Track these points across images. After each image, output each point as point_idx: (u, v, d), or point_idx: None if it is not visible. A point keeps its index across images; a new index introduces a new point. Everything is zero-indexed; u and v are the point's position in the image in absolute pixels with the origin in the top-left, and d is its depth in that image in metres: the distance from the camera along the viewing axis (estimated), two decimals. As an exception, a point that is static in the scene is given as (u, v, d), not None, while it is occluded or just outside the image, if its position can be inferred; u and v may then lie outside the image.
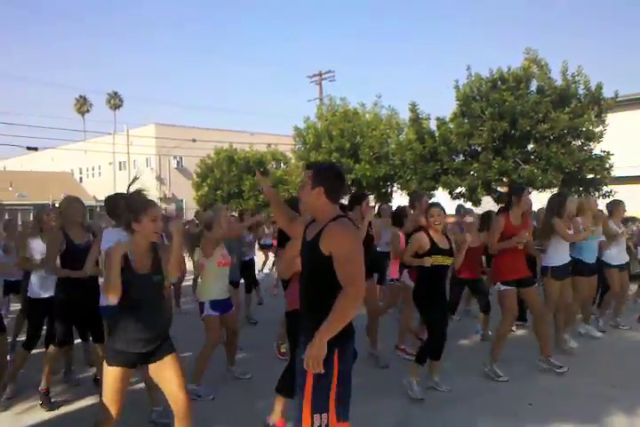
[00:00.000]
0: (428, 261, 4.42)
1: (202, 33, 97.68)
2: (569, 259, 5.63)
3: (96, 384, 4.57)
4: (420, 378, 4.45)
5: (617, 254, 6.66)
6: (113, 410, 2.96)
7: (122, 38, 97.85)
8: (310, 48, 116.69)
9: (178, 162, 36.99)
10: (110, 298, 2.94)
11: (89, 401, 4.44)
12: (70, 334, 4.50)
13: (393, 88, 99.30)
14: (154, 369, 3.08)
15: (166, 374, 3.05)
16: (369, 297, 5.17)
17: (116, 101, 58.23)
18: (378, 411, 4.14)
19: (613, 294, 6.80)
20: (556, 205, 5.46)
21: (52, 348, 4.42)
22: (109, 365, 2.95)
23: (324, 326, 2.34)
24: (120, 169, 39.59)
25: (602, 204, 11.59)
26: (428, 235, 4.51)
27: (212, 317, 4.62)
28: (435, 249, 4.47)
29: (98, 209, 28.59)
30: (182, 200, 35.64)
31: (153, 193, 24.44)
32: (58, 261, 4.37)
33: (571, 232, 5.48)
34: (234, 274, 6.12)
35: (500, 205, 7.16)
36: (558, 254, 5.54)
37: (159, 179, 36.97)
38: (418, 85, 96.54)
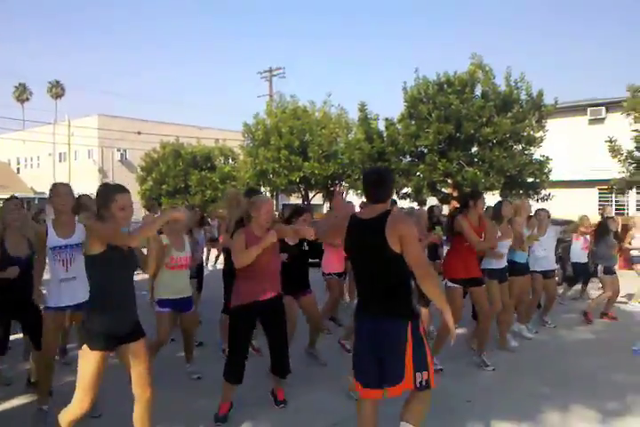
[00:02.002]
0: None
1: (151, 25, 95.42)
2: (505, 263, 5.87)
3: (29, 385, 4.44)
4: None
5: (543, 260, 6.95)
6: (90, 396, 2.95)
7: (66, 26, 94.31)
8: (261, 44, 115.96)
9: (122, 154, 36.00)
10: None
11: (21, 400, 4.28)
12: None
13: (343, 88, 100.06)
14: (124, 350, 3.09)
15: (136, 357, 3.07)
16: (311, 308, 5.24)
17: (57, 90, 56.07)
18: (318, 408, 4.17)
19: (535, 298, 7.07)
20: (495, 210, 5.79)
21: None
22: (92, 349, 2.93)
23: (438, 301, 2.95)
24: (60, 160, 38.18)
25: (540, 206, 12.10)
26: None
27: (161, 313, 4.67)
28: None
29: (36, 201, 27.44)
30: (126, 194, 34.75)
31: (95, 186, 23.76)
32: None
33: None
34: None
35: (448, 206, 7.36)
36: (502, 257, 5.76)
37: (101, 171, 35.89)
38: (368, 86, 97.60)
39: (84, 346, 2.96)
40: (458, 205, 5.90)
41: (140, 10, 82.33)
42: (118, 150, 35.60)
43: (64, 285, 3.86)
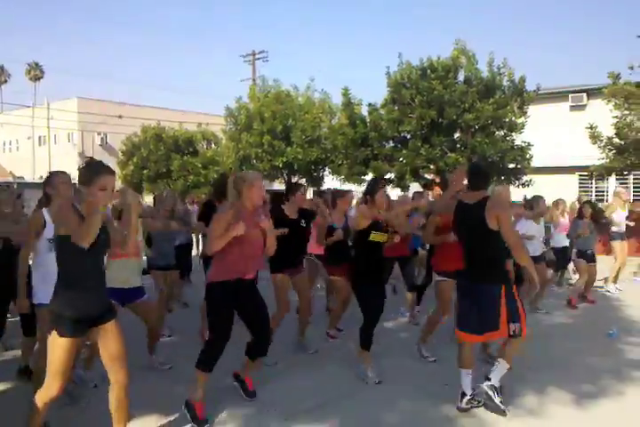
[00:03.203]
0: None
1: (133, 8, 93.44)
2: None
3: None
4: (372, 364, 4.55)
5: (531, 247, 7.03)
6: (59, 382, 2.92)
7: (45, 5, 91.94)
8: (245, 27, 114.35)
9: (102, 138, 35.48)
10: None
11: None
12: None
13: (327, 72, 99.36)
14: (96, 333, 3.05)
15: (108, 338, 3.05)
16: (303, 287, 5.27)
17: (36, 73, 54.87)
18: (299, 392, 4.22)
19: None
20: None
21: None
22: (61, 336, 2.88)
23: (526, 262, 3.79)
24: (39, 144, 37.58)
25: (522, 192, 12.21)
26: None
27: None
28: (374, 226, 4.52)
29: (15, 186, 27.00)
30: (107, 179, 34.36)
31: (75, 170, 23.45)
32: None
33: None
34: (168, 259, 6.03)
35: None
36: None
37: (82, 155, 35.39)
38: (351, 71, 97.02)
39: (53, 332, 2.90)
40: (441, 192, 5.88)
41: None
42: (99, 134, 35.09)
43: None
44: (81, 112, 33.76)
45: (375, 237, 4.50)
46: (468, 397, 3.94)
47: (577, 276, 8.18)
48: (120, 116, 31.42)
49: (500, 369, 3.88)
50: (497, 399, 3.82)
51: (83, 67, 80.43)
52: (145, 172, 23.99)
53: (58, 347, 2.88)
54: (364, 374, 4.51)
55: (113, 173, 3.05)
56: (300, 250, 5.35)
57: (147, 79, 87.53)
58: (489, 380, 3.88)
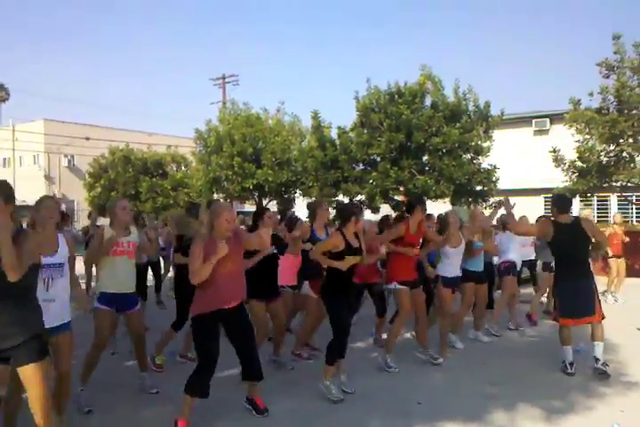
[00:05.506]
0: (344, 264, 4.56)
1: (101, 29, 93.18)
2: (459, 272, 6.06)
3: None
4: (333, 379, 4.55)
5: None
6: None
7: (10, 27, 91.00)
8: (215, 51, 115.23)
9: (69, 160, 34.89)
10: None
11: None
12: None
13: (296, 96, 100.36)
14: (14, 370, 2.84)
15: (29, 389, 2.82)
16: (278, 312, 5.29)
17: (1, 94, 54.10)
18: (271, 413, 4.17)
19: (504, 299, 7.30)
20: (443, 219, 6.10)
21: None
22: None
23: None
24: (4, 166, 36.78)
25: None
26: (343, 234, 4.63)
27: (101, 310, 4.36)
28: (348, 249, 4.58)
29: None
30: (73, 201, 33.70)
31: (41, 193, 22.88)
32: None
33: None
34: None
35: (396, 213, 7.51)
36: (451, 265, 5.98)
37: (48, 178, 34.76)
38: (321, 94, 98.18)
39: None
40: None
41: (88, 13, 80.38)
42: (65, 156, 34.53)
43: (43, 305, 3.49)
44: (47, 134, 33.25)
45: (349, 260, 4.57)
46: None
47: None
48: (87, 138, 31.04)
49: (600, 348, 5.16)
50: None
51: (50, 89, 79.60)
52: (113, 193, 23.66)
53: None
54: (328, 390, 4.48)
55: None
56: (274, 278, 5.34)
57: (116, 102, 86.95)
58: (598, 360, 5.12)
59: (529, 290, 9.02)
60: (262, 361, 5.13)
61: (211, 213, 3.88)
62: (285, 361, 5.39)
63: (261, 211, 5.44)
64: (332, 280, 4.66)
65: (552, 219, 5.40)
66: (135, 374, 4.80)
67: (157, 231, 9.25)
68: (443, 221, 6.21)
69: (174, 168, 25.09)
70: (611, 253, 9.80)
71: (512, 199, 5.67)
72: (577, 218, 5.30)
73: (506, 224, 7.22)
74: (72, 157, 34.48)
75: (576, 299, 5.11)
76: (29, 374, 2.80)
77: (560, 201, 5.48)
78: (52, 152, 33.87)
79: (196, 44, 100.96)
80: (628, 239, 10.19)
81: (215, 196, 17.91)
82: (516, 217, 6.99)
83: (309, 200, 16.12)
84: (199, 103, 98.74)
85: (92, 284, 4.92)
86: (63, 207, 29.20)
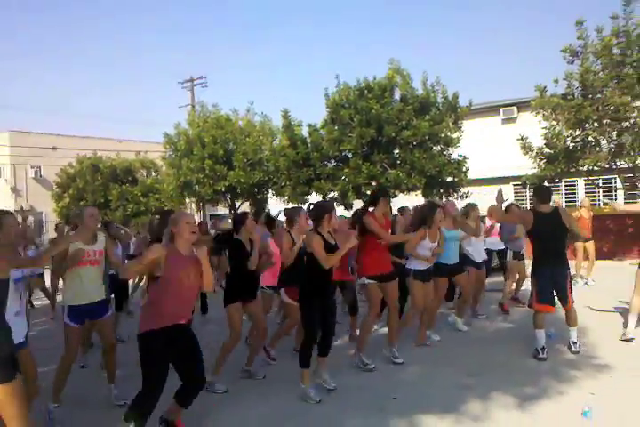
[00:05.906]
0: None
1: (63, 31, 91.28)
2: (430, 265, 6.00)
3: None
4: (310, 382, 4.50)
5: (475, 253, 7.22)
6: None
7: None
8: (181, 53, 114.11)
9: (36, 172, 34.17)
10: None
11: None
12: None
13: (265, 95, 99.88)
14: None
15: (2, 410, 2.75)
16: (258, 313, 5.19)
17: (-37, 106, 52.80)
18: (246, 413, 4.10)
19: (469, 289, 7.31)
20: (427, 215, 5.83)
21: None
22: None
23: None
24: (-30, 180, 35.92)
25: (461, 203, 12.46)
26: (319, 233, 4.58)
27: (71, 327, 4.24)
28: (326, 247, 4.52)
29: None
30: (42, 212, 33.08)
31: (8, 206, 22.36)
32: None
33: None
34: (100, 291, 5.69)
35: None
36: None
37: (15, 190, 34.04)
38: (290, 92, 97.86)
39: None
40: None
41: (50, 17, 78.70)
42: (32, 167, 33.80)
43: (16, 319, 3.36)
44: (13, 146, 32.57)
45: (334, 257, 4.52)
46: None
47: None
48: (54, 148, 30.48)
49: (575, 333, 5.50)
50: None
51: (15, 100, 78.05)
52: (82, 203, 23.26)
53: None
54: (306, 394, 4.43)
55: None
56: (254, 281, 5.23)
57: (83, 110, 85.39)
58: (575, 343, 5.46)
59: (500, 278, 9.07)
60: (234, 370, 5.12)
61: (170, 221, 3.73)
62: (256, 371, 5.22)
63: (243, 215, 5.28)
64: (311, 282, 4.60)
65: (533, 208, 5.61)
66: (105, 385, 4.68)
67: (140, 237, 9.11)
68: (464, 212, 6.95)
69: (144, 174, 24.77)
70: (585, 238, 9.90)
71: (483, 188, 5.74)
72: (556, 208, 5.48)
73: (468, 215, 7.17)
74: (39, 167, 33.81)
75: (553, 287, 5.37)
76: (1, 396, 2.74)
77: (541, 191, 5.67)
78: (19, 164, 33.18)
79: (162, 48, 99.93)
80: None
81: (187, 200, 17.70)
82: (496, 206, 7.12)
83: (282, 199, 16.08)
84: (168, 108, 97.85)
85: (58, 297, 4.80)
86: (31, 220, 28.65)
